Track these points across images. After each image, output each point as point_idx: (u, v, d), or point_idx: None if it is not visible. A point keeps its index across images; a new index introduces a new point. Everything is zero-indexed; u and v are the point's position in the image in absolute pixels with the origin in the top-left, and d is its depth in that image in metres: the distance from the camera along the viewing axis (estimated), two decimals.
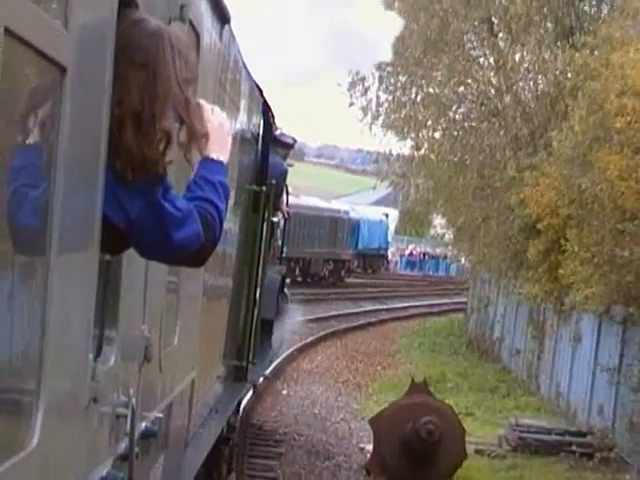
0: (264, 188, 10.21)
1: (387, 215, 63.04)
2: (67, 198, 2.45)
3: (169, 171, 3.03)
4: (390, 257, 65.91)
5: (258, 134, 10.22)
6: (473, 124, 24.52)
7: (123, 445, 3.51)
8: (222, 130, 3.18)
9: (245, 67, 8.28)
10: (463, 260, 31.24)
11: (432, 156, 25.01)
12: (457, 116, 25.24)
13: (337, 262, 48.67)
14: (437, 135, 25.23)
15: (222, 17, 6.00)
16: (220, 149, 3.17)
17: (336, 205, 53.60)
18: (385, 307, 38.93)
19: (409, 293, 47.32)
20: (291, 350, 22.44)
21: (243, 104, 8.41)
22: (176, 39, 3.02)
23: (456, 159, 24.59)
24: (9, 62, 2.01)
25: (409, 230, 77.69)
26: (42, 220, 2.40)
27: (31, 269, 2.47)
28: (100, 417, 3.17)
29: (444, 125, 25.02)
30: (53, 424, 2.50)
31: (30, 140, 2.50)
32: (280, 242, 13.47)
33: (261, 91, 10.08)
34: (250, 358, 10.33)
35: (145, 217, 2.91)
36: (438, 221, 34.63)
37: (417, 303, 42.49)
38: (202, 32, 4.82)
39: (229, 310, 8.89)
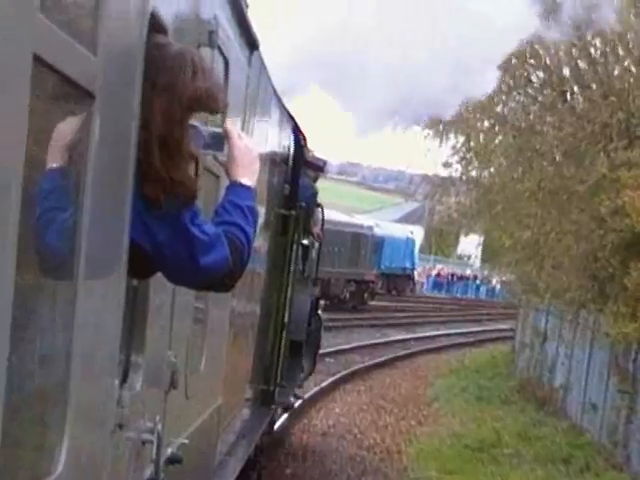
0: (293, 212, 10.25)
1: (412, 232, 59.80)
2: (95, 222, 2.45)
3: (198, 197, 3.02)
4: (416, 277, 62.83)
5: (288, 158, 10.25)
6: (541, 112, 19.79)
7: (149, 471, 3.50)
8: (250, 154, 3.17)
9: (275, 92, 8.32)
10: (516, 284, 25.40)
11: (482, 152, 20.37)
12: (521, 99, 20.35)
13: (360, 283, 44.51)
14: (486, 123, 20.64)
15: (251, 43, 6.04)
16: (248, 174, 3.16)
17: (359, 220, 48.39)
18: (414, 336, 35.01)
19: (440, 319, 44.37)
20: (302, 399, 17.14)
21: (272, 129, 8.43)
22: (199, 58, 3.01)
23: (518, 156, 19.97)
24: (38, 89, 2.02)
25: (434, 249, 75.83)
26: (70, 243, 2.40)
27: (58, 293, 2.47)
28: (126, 443, 3.16)
29: (505, 112, 20.42)
30: (79, 450, 2.50)
31: (58, 164, 2.50)
32: (314, 264, 13.37)
33: (291, 115, 10.12)
34: (278, 381, 10.32)
35: (172, 242, 2.89)
36: (476, 239, 29.96)
37: (450, 331, 38.82)
38: (231, 58, 4.84)
39: (257, 333, 8.88)
